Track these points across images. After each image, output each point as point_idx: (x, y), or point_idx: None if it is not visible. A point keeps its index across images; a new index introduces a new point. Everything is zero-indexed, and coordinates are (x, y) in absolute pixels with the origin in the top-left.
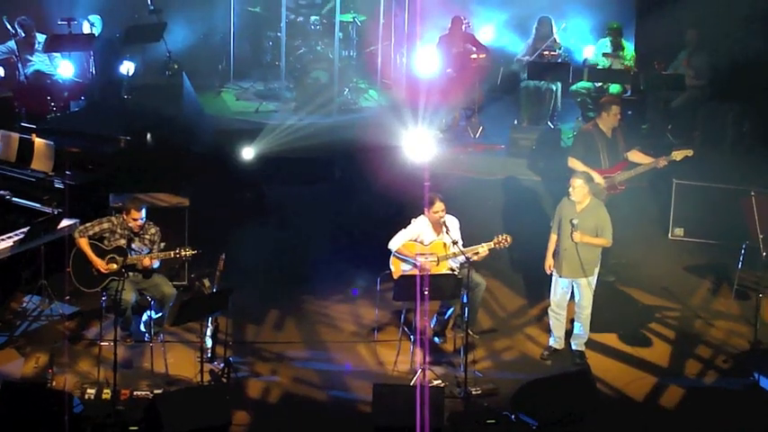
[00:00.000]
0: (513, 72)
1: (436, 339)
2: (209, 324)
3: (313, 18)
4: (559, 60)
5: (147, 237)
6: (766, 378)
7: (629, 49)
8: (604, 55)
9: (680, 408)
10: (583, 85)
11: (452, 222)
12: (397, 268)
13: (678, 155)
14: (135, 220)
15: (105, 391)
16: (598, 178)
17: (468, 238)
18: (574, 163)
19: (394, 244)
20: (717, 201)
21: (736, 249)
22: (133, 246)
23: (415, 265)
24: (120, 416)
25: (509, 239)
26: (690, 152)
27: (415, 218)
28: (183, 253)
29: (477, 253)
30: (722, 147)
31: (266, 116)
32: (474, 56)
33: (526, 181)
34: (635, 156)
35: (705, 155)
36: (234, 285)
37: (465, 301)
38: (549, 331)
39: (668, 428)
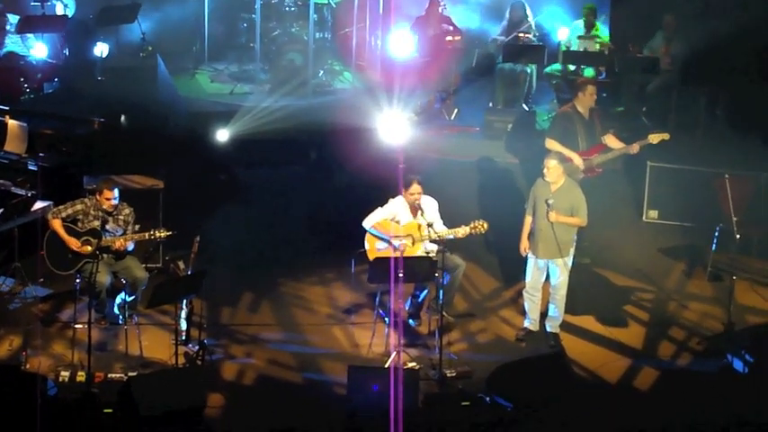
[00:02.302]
0: (489, 55)
1: (411, 321)
2: (184, 306)
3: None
4: (534, 43)
5: (122, 218)
6: (739, 360)
7: (602, 30)
8: (579, 38)
9: (654, 390)
10: (557, 67)
11: (430, 203)
12: (372, 246)
13: (654, 138)
14: (108, 200)
15: (79, 373)
16: (577, 160)
17: (444, 220)
18: (552, 144)
19: (369, 221)
20: (691, 183)
21: (709, 232)
22: (107, 227)
23: (389, 243)
24: (95, 398)
25: (485, 226)
26: (666, 136)
27: (393, 197)
28: (158, 234)
29: (452, 236)
30: (696, 130)
31: (241, 98)
32: (450, 38)
33: (501, 163)
34: (609, 140)
35: (679, 138)
36: (208, 268)
37: (443, 283)
38: (523, 313)
39: (642, 410)
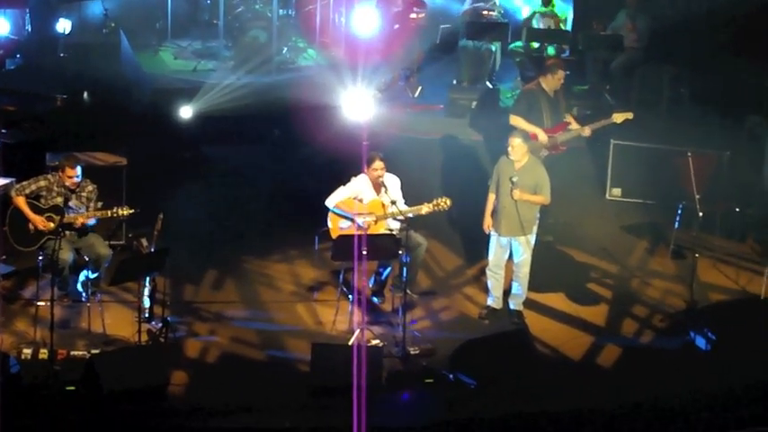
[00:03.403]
0: (453, 32)
1: (374, 299)
2: (147, 284)
3: None
4: (497, 20)
5: (84, 195)
6: (702, 337)
7: (559, 6)
8: (540, 14)
9: (616, 367)
10: (521, 44)
11: (393, 181)
12: (335, 225)
13: (618, 117)
14: (70, 177)
15: (42, 351)
16: (542, 136)
17: (407, 198)
18: (516, 121)
19: (332, 200)
20: (654, 161)
21: (672, 209)
22: (70, 204)
23: (353, 222)
24: (57, 376)
25: (448, 202)
26: (630, 115)
27: (355, 176)
28: (121, 212)
29: (415, 214)
30: (659, 108)
31: (204, 75)
32: (414, 15)
33: (465, 140)
34: (569, 119)
35: (642, 116)
36: (172, 245)
37: (405, 261)
38: (486, 291)
39: (605, 387)
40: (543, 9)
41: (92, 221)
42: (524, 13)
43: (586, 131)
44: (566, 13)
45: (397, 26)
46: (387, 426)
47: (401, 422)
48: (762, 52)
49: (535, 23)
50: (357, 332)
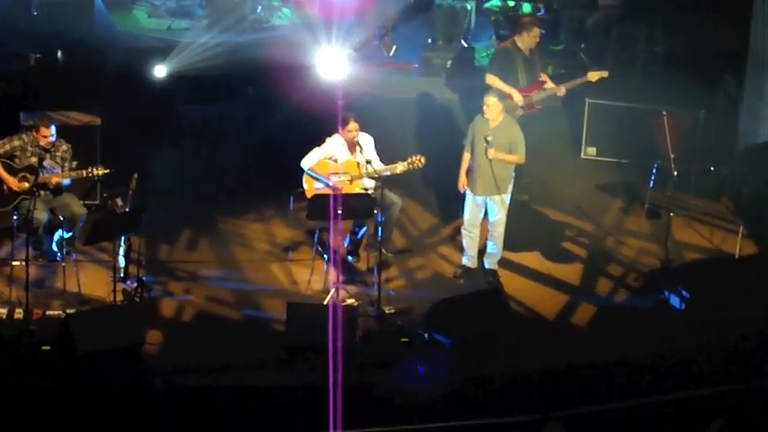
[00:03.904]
0: None
1: (350, 258)
2: (122, 243)
3: None
4: None
5: (59, 154)
6: (676, 296)
7: None
8: None
9: (591, 326)
10: (496, 3)
11: (367, 140)
12: (310, 187)
13: (593, 76)
14: (45, 137)
15: (17, 310)
16: (517, 96)
17: (382, 157)
18: (492, 80)
19: (307, 162)
20: (629, 120)
21: (647, 169)
22: (45, 164)
23: (327, 185)
24: (33, 335)
25: (422, 160)
26: (605, 74)
27: (330, 136)
28: (96, 172)
29: (390, 172)
30: (634, 66)
31: (178, 34)
32: None
33: (440, 99)
34: (544, 78)
35: (618, 75)
36: (147, 205)
37: (379, 220)
38: (461, 250)
39: (580, 346)
40: None
41: (67, 181)
42: None
43: (561, 90)
44: None
45: None
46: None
47: (377, 379)
48: (734, 11)
49: None
50: (332, 291)
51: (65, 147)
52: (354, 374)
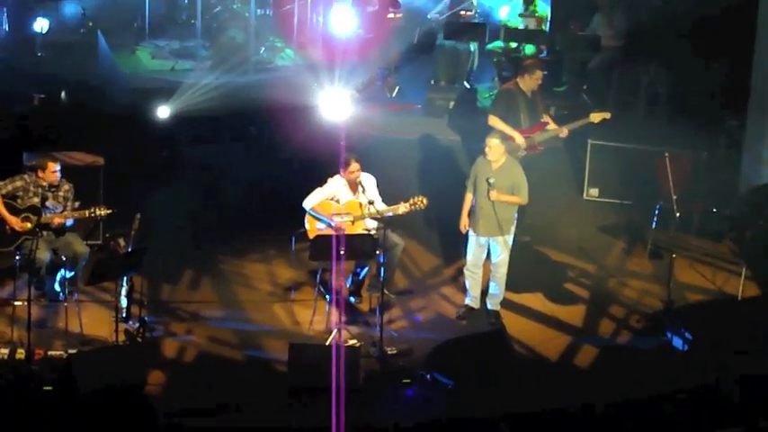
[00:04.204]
0: (430, 32)
1: (352, 299)
2: (124, 284)
3: None
4: (475, 20)
5: (61, 194)
6: (678, 337)
7: (540, 6)
8: (520, 15)
9: (594, 367)
10: (499, 44)
11: (369, 181)
12: (312, 227)
13: (596, 117)
14: (53, 173)
15: (19, 351)
16: (519, 138)
17: (385, 198)
18: (494, 121)
19: (309, 202)
20: (631, 161)
21: (649, 210)
22: (47, 204)
23: (329, 225)
24: (35, 376)
25: (425, 201)
26: (607, 115)
27: (332, 177)
28: (98, 212)
29: (392, 213)
30: (636, 108)
31: (182, 75)
32: (390, 15)
33: (443, 140)
34: (546, 119)
35: (620, 116)
36: (149, 244)
37: (381, 261)
38: (464, 291)
39: (582, 388)
40: (522, 10)
41: (69, 222)
42: (501, 13)
43: (564, 132)
44: (546, 13)
45: (373, 26)
46: (367, 425)
47: (381, 421)
48: (735, 51)
49: (516, 24)
50: (334, 332)
51: (66, 187)
52: (357, 415)
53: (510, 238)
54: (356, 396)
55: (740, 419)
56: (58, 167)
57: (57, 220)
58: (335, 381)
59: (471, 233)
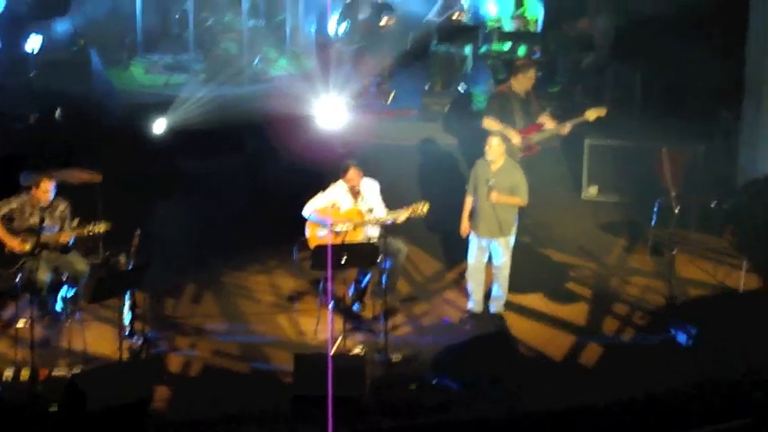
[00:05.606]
0: (423, 37)
1: (355, 307)
2: (127, 300)
3: None
4: (468, 24)
5: (57, 213)
6: (682, 333)
7: (529, 7)
8: (512, 18)
9: (598, 365)
10: (492, 48)
11: (372, 186)
12: (313, 233)
13: (591, 114)
14: (45, 192)
15: (24, 371)
16: (515, 138)
17: (386, 204)
18: (489, 123)
19: (309, 209)
20: (629, 159)
21: (649, 206)
22: (44, 224)
23: (330, 229)
24: (40, 396)
25: (426, 207)
26: (602, 111)
27: (334, 182)
28: (97, 229)
29: (393, 220)
30: (632, 105)
31: (176, 89)
32: (383, 21)
33: (440, 145)
34: (544, 119)
35: (616, 114)
36: (149, 260)
37: (384, 267)
38: (467, 295)
39: (588, 386)
40: (513, 11)
41: (71, 240)
42: (492, 13)
43: (566, 129)
44: (536, 15)
45: (366, 33)
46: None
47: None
48: (729, 43)
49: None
50: (339, 341)
51: (62, 206)
52: (363, 423)
53: (511, 240)
54: (362, 403)
55: (747, 412)
56: (51, 186)
57: (63, 239)
58: (341, 389)
59: (472, 236)
